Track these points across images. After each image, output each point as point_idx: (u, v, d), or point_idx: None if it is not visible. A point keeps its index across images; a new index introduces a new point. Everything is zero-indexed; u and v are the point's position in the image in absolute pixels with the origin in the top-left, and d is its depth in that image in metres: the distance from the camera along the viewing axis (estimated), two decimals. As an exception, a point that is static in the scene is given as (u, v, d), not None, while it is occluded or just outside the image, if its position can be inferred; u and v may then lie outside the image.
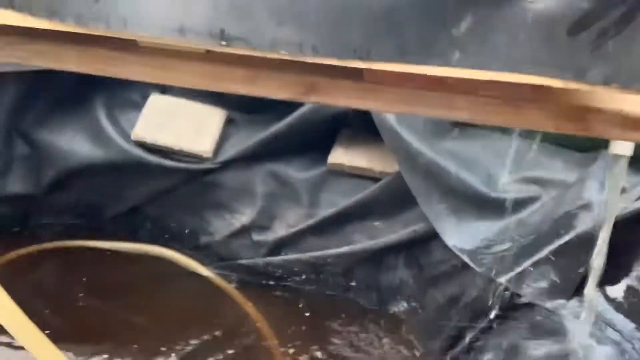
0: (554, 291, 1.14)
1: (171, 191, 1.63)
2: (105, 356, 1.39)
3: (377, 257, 1.50)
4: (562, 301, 1.12)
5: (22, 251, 1.58)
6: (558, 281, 1.13)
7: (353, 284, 1.54)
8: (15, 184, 1.64)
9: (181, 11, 0.52)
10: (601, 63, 0.51)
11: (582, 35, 0.50)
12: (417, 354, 1.39)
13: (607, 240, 1.00)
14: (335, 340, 1.44)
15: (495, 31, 0.51)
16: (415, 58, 0.52)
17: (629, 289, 1.05)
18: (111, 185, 1.64)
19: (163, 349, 1.44)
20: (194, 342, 1.46)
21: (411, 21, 0.51)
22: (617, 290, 1.11)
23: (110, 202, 1.67)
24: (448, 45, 0.51)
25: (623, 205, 1.13)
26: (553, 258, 1.16)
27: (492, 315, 1.23)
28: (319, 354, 1.40)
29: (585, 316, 1.03)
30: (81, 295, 1.50)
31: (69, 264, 1.59)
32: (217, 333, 1.47)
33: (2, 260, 1.54)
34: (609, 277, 1.12)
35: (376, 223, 1.51)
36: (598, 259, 1.03)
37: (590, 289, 1.03)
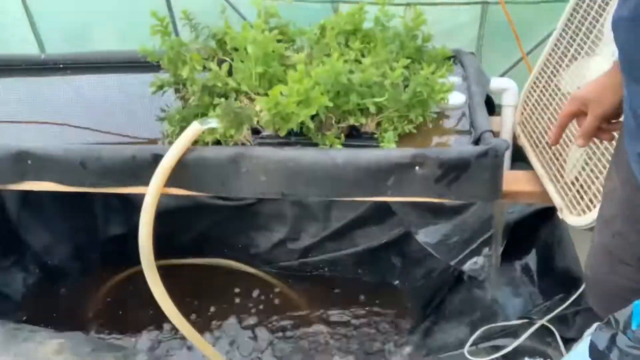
0: (482, 268, 1.85)
1: (226, 220, 2.33)
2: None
3: (374, 252, 2.21)
4: (486, 274, 1.84)
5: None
6: (483, 262, 1.84)
7: (360, 270, 2.26)
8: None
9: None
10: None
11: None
12: (407, 310, 2.11)
13: (499, 236, 1.70)
14: (350, 308, 2.15)
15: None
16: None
17: (522, 265, 1.77)
18: (184, 220, 2.35)
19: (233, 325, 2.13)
20: (260, 316, 2.15)
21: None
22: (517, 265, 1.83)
23: (184, 231, 2.38)
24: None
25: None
26: (481, 247, 1.87)
27: (448, 285, 1.95)
28: (334, 316, 2.11)
29: (493, 277, 1.75)
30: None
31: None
32: (267, 309, 2.17)
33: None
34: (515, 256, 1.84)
35: (372, 228, 2.22)
36: (496, 246, 1.75)
37: (494, 262, 1.75)
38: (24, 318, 2.14)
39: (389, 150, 1.28)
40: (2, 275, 2.22)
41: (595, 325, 0.74)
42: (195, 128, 1.29)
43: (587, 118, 0.99)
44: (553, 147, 1.37)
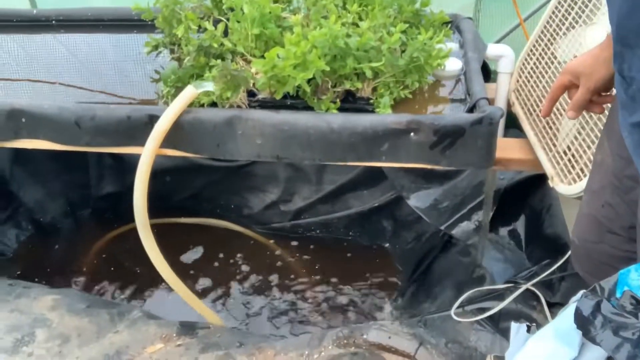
0: (471, 233, 1.89)
1: (219, 180, 2.34)
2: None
3: (365, 215, 2.24)
4: (475, 239, 1.87)
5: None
6: (472, 227, 1.87)
7: (351, 233, 2.29)
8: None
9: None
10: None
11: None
12: (397, 272, 2.16)
13: (490, 202, 1.73)
14: (341, 269, 2.18)
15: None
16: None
17: (511, 231, 1.80)
18: (178, 180, 2.36)
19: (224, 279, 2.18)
20: (251, 276, 2.19)
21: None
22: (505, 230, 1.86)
23: (178, 191, 2.39)
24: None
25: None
26: (471, 212, 1.89)
27: (438, 248, 1.98)
28: (325, 276, 2.15)
29: (481, 242, 1.78)
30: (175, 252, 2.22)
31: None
32: (259, 269, 2.21)
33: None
34: (504, 222, 1.87)
35: (364, 192, 2.24)
36: (487, 211, 1.78)
37: (484, 227, 1.78)
38: (18, 273, 2.16)
39: (385, 116, 1.28)
40: (-4, 231, 2.24)
41: (581, 292, 0.77)
42: (190, 92, 1.29)
43: (578, 91, 1.00)
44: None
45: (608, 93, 1.01)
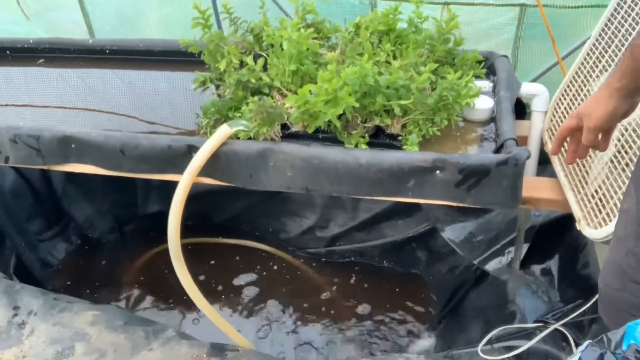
0: (504, 269, 1.87)
1: (258, 204, 2.41)
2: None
3: (400, 244, 2.25)
4: (508, 275, 1.86)
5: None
6: (505, 262, 1.87)
7: (385, 261, 2.31)
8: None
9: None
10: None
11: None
12: (428, 304, 2.16)
13: (522, 239, 1.72)
14: (372, 297, 2.20)
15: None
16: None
17: (544, 269, 1.78)
18: (219, 202, 2.44)
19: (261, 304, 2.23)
20: (283, 299, 2.23)
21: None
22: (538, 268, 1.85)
23: (218, 212, 2.47)
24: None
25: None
26: (504, 247, 1.89)
27: (470, 282, 1.98)
28: (356, 303, 2.18)
29: (513, 279, 1.77)
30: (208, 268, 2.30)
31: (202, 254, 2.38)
32: (292, 293, 2.25)
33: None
34: (538, 259, 1.85)
35: (399, 221, 2.25)
36: (519, 248, 1.77)
37: (516, 264, 1.77)
38: (68, 283, 2.28)
39: (411, 153, 1.31)
40: (47, 244, 2.37)
41: (586, 342, 0.77)
42: (224, 131, 1.36)
43: (583, 131, 1.07)
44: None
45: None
